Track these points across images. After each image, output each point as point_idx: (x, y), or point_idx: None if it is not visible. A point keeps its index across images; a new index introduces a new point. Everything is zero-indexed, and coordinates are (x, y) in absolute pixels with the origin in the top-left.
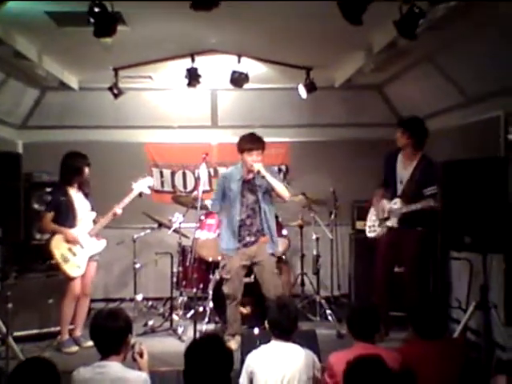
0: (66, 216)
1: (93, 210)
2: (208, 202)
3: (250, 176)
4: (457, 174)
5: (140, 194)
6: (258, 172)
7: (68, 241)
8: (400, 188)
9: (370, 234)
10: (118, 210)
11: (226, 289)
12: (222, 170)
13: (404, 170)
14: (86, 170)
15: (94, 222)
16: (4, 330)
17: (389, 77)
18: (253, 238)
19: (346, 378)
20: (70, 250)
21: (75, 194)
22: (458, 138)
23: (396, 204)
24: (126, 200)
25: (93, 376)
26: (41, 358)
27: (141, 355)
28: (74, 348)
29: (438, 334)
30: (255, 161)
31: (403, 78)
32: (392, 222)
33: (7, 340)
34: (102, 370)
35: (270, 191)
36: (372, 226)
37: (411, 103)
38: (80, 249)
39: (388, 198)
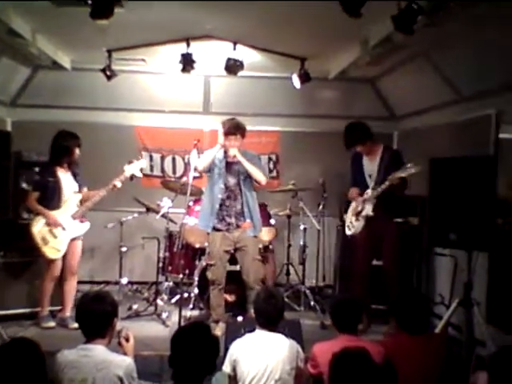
0: (51, 197)
1: (80, 191)
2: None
3: (230, 159)
4: (445, 171)
5: (131, 178)
6: (234, 156)
7: (49, 223)
8: (371, 181)
9: (348, 232)
10: (103, 193)
11: (209, 274)
12: None
13: (371, 164)
14: (77, 150)
15: (81, 202)
16: None
17: (382, 71)
18: (233, 220)
19: (332, 369)
20: (50, 232)
21: (63, 175)
22: (448, 134)
23: (367, 194)
24: (116, 182)
25: (77, 358)
26: (25, 338)
27: (127, 340)
28: (51, 323)
29: (421, 329)
30: (232, 146)
31: (397, 72)
32: (367, 211)
33: None
34: (86, 353)
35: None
36: (350, 224)
37: (403, 98)
38: (61, 231)
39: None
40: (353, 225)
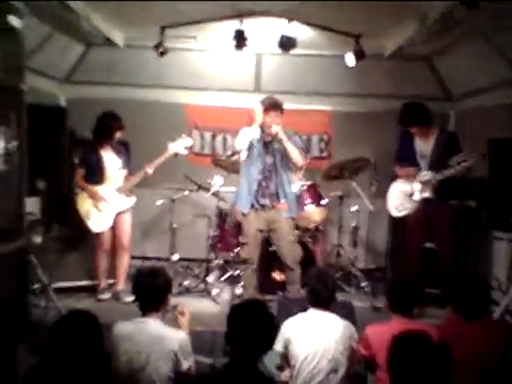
0: (93, 173)
1: (125, 168)
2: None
3: (269, 139)
4: (505, 152)
5: (176, 155)
6: (276, 134)
7: (91, 197)
8: (424, 162)
9: (398, 214)
10: (150, 169)
11: (242, 253)
12: None
13: (424, 145)
14: (118, 133)
15: (126, 178)
16: (45, 280)
17: (439, 48)
18: (267, 201)
19: (393, 352)
20: (95, 206)
21: (106, 154)
22: (507, 115)
23: (426, 175)
24: (160, 160)
25: (132, 331)
26: (83, 311)
27: (182, 315)
28: (106, 296)
29: (479, 314)
30: (274, 122)
31: (455, 50)
32: (426, 193)
33: (47, 290)
34: (141, 326)
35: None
36: (400, 205)
37: (461, 77)
38: (105, 205)
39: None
40: (404, 206)
